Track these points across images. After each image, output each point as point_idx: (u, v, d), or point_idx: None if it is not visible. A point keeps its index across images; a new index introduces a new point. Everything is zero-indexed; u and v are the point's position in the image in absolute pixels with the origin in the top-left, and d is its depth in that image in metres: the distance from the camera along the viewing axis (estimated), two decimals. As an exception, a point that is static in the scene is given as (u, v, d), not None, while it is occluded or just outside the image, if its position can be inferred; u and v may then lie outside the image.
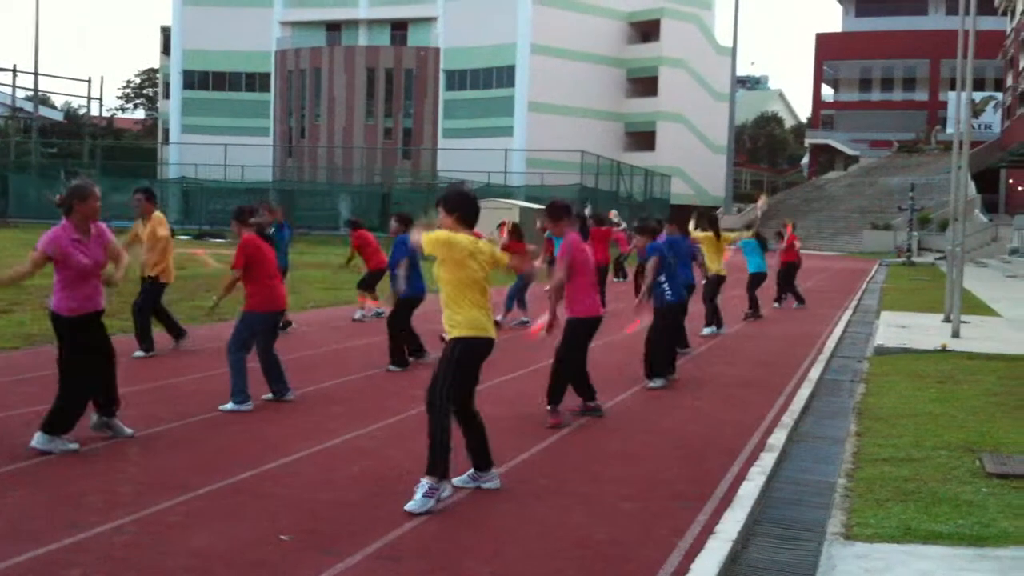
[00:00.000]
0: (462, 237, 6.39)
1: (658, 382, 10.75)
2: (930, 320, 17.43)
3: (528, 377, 10.80)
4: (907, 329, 16.05)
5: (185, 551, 5.35)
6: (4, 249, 28.75)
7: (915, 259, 43.76)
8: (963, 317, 15.81)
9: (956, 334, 14.93)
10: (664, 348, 11.00)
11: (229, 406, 8.84)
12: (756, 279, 18.30)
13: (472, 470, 6.68)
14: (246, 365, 8.97)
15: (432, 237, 6.35)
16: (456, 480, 6.51)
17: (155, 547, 5.39)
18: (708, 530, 5.87)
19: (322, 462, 7.24)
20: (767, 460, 7.56)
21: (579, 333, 8.89)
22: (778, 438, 8.33)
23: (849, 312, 20.44)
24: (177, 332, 12.40)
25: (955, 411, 9.44)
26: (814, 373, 12.03)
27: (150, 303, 11.94)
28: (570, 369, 8.93)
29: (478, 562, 5.33)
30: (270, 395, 9.28)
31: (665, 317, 10.99)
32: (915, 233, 47.54)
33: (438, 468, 6.24)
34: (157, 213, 11.88)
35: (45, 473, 6.75)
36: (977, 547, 5.68)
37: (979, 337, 15.10)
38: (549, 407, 8.77)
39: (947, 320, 16.36)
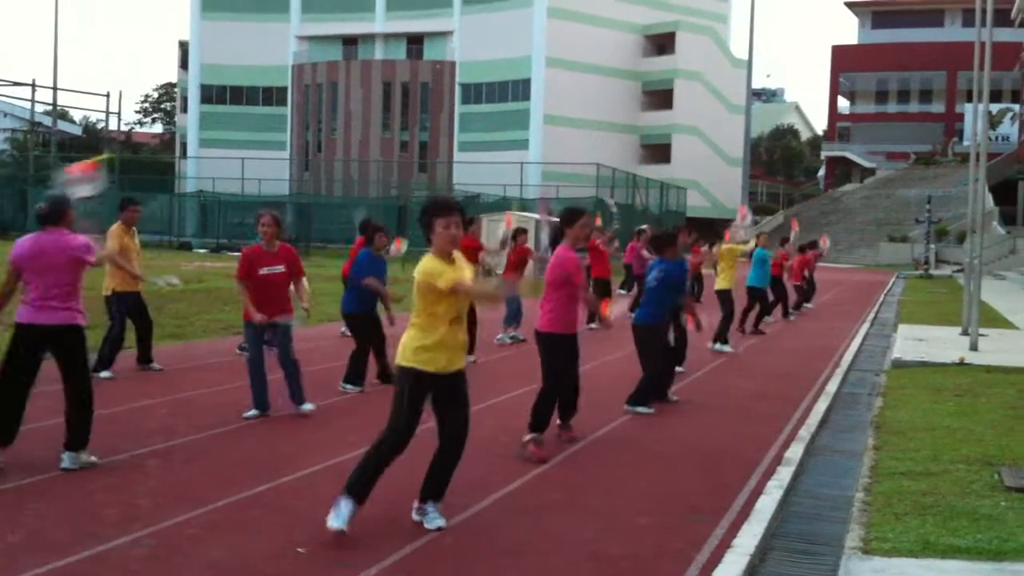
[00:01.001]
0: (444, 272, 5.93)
1: (640, 408, 10.03)
2: (948, 333, 17.35)
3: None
4: (925, 342, 15.98)
5: (202, 563, 5.37)
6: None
7: (932, 272, 43.56)
8: (981, 330, 15.73)
9: (974, 347, 14.86)
10: (649, 373, 10.18)
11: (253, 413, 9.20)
12: (756, 292, 17.84)
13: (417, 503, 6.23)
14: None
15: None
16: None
17: (173, 560, 5.41)
18: (725, 544, 5.85)
19: (338, 475, 7.21)
20: (784, 474, 7.54)
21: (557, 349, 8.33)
22: (795, 452, 8.30)
23: (866, 325, 20.36)
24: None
25: (973, 424, 9.39)
26: (831, 386, 11.99)
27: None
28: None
29: (494, 576, 5.33)
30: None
31: (636, 333, 10.32)
32: (932, 245, 47.32)
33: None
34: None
35: (64, 486, 6.78)
36: (996, 561, 5.64)
37: (997, 350, 15.02)
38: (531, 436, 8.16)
39: (965, 333, 16.29)
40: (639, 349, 10.26)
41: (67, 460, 7.14)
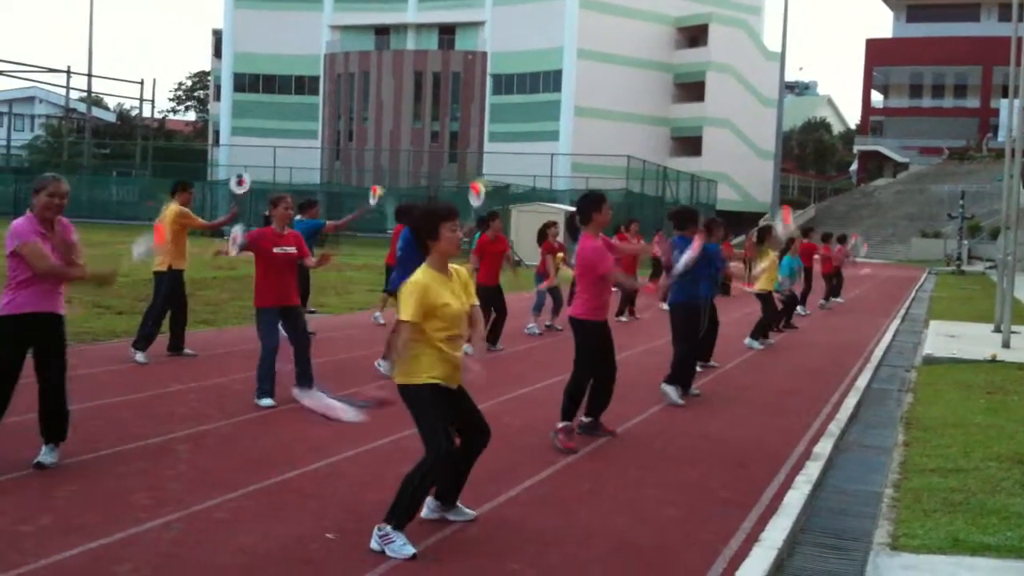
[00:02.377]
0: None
1: (669, 391, 10.08)
2: (980, 330, 17.21)
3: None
4: (956, 339, 15.86)
5: (232, 548, 5.42)
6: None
7: (965, 268, 43.21)
8: (1014, 327, 15.59)
9: (1006, 344, 14.73)
10: (679, 356, 10.21)
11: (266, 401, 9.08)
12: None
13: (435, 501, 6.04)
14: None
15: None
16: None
17: (203, 544, 5.47)
18: (753, 538, 5.85)
19: (368, 463, 7.29)
20: (813, 469, 7.52)
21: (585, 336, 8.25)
22: (824, 447, 8.27)
23: (897, 321, 20.23)
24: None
25: (1004, 422, 9.32)
26: (861, 382, 11.94)
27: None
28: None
29: (521, 565, 5.35)
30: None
31: (673, 314, 10.37)
32: (965, 241, 46.95)
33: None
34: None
35: (95, 469, 6.85)
36: (1026, 560, 5.61)
37: (1030, 348, 14.89)
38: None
39: (997, 330, 16.15)
40: (672, 330, 10.36)
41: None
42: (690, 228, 10.42)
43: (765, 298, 15.37)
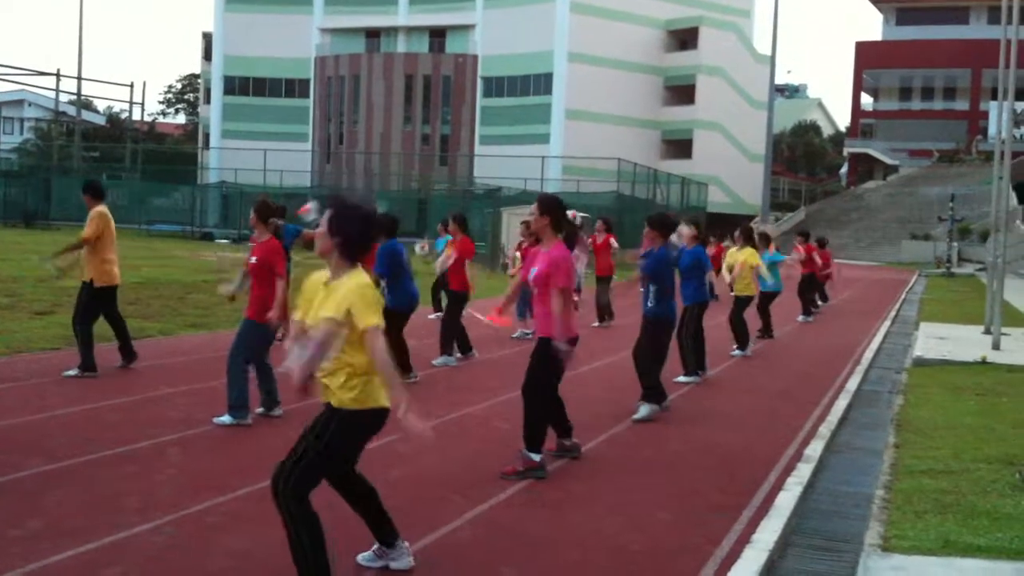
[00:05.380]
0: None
1: (643, 411, 9.47)
2: (970, 332, 17.26)
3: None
4: (946, 341, 15.91)
5: (223, 552, 5.40)
6: (45, 251, 29.06)
7: (955, 270, 43.34)
8: (1004, 329, 15.65)
9: (996, 346, 14.78)
10: (648, 367, 9.64)
11: (226, 419, 8.48)
12: (769, 297, 16.71)
13: (376, 545, 5.28)
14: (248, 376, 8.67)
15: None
16: (360, 557, 5.30)
17: (194, 547, 5.45)
18: (744, 540, 5.85)
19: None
20: (804, 471, 7.53)
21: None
22: (815, 449, 8.29)
23: (887, 323, 20.28)
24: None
25: (995, 424, 9.35)
26: (852, 384, 11.96)
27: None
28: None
29: (512, 570, 5.35)
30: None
31: (645, 329, 9.77)
32: (955, 244, 47.08)
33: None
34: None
35: (85, 473, 6.83)
36: (1016, 560, 5.62)
37: (1020, 349, 14.94)
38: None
39: (987, 332, 16.20)
40: (646, 340, 9.69)
41: None
42: (660, 237, 9.80)
43: (742, 302, 14.63)
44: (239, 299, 9.13)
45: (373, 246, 4.74)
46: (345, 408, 4.75)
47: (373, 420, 4.83)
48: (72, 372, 10.38)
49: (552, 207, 7.36)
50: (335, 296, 4.65)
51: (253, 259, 8.67)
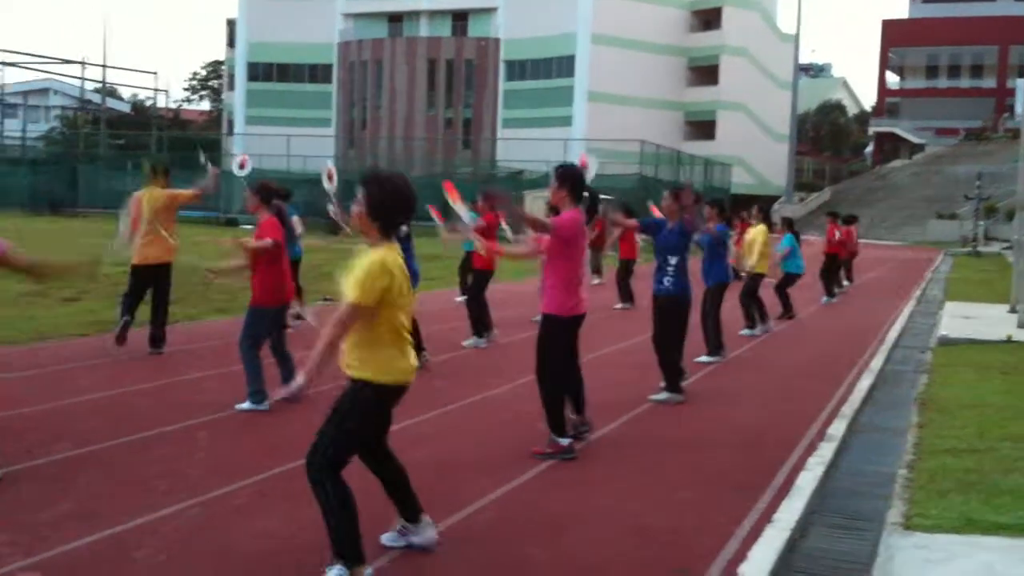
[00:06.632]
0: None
1: (663, 395, 9.39)
2: (996, 311, 17.16)
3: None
4: (972, 320, 15.82)
5: (252, 531, 5.48)
6: (72, 239, 29.31)
7: (981, 249, 43.02)
8: (1030, 308, 15.54)
9: (1022, 325, 14.69)
10: (667, 352, 9.39)
11: (246, 405, 8.52)
12: (790, 279, 16.87)
13: (399, 524, 5.32)
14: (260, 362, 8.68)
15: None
16: (384, 538, 5.33)
17: (221, 529, 5.53)
18: (766, 518, 5.88)
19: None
20: (826, 450, 7.54)
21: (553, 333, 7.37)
22: (838, 428, 8.29)
23: (913, 302, 20.19)
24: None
25: (1020, 402, 9.31)
26: (876, 363, 11.94)
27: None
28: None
29: (538, 547, 5.40)
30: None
31: (663, 315, 9.40)
32: (981, 223, 46.71)
33: (347, 551, 4.73)
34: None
35: (114, 456, 6.93)
36: (1039, 539, 5.62)
37: (1046, 328, 14.84)
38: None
39: (1013, 311, 16.10)
40: (664, 326, 9.42)
41: None
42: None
43: (753, 280, 14.61)
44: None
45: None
46: (359, 380, 4.82)
47: (384, 394, 4.88)
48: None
49: (570, 177, 7.29)
50: None
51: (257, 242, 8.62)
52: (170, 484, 6.28)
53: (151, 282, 11.19)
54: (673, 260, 9.28)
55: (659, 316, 9.43)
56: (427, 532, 5.30)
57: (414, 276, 10.99)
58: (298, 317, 13.18)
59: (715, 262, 11.82)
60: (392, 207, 4.84)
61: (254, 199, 8.96)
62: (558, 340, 7.32)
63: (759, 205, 15.66)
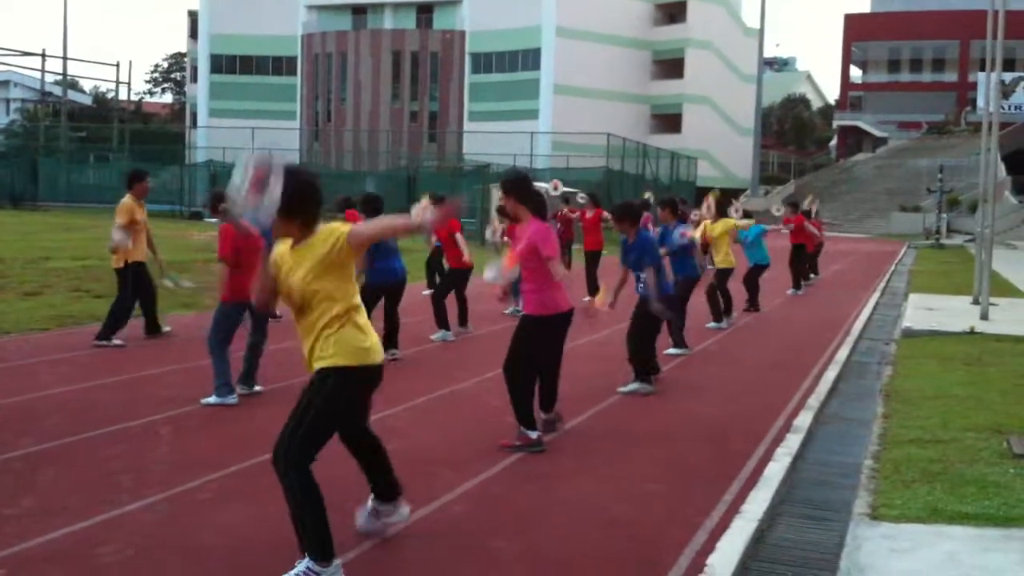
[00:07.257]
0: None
1: (632, 386, 9.51)
2: (959, 302, 17.33)
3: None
4: (935, 311, 15.97)
5: (216, 528, 5.43)
6: (33, 233, 29.01)
7: (944, 241, 43.44)
8: (992, 299, 15.68)
9: (985, 316, 14.84)
10: (638, 347, 9.62)
11: (212, 399, 8.46)
12: (758, 270, 16.74)
13: (371, 507, 5.39)
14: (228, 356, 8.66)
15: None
16: (359, 526, 5.39)
17: (187, 524, 5.47)
18: (734, 510, 5.90)
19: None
20: (793, 441, 7.58)
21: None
22: (804, 420, 8.34)
23: (877, 294, 20.33)
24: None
25: (983, 393, 9.41)
26: (841, 355, 12.01)
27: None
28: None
29: (506, 541, 5.38)
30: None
31: (643, 313, 9.64)
32: (944, 215, 47.16)
33: (315, 546, 4.65)
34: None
35: (77, 452, 6.85)
36: (1004, 528, 5.67)
37: (1008, 319, 15.00)
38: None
39: (976, 302, 16.26)
40: (637, 320, 9.70)
41: None
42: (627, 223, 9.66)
43: (722, 275, 14.65)
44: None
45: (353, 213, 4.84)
46: (323, 370, 4.74)
47: (351, 378, 4.78)
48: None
49: (513, 187, 7.38)
50: (312, 252, 4.70)
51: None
52: (135, 479, 6.21)
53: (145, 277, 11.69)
54: (643, 275, 9.51)
55: (637, 310, 9.70)
56: (400, 511, 5.38)
57: (393, 273, 10.95)
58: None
59: (685, 259, 11.87)
60: (317, 202, 4.82)
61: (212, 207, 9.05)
62: (536, 338, 7.35)
63: (714, 200, 15.53)
